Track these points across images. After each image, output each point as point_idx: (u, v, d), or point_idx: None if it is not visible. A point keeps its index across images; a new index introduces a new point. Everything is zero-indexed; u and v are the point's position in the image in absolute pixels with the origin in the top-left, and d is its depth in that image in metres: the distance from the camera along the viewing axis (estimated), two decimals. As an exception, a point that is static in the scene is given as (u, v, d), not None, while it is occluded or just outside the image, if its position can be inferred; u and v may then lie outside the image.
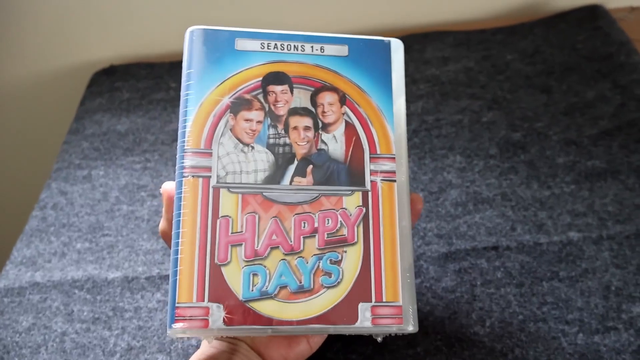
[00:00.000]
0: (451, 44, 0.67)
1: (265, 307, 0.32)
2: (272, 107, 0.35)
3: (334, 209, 0.34)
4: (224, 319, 0.31)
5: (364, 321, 0.32)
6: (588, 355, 0.39)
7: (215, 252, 0.32)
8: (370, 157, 0.35)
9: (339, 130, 0.36)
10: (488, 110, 0.58)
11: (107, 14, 0.72)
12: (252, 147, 0.34)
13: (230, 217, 0.33)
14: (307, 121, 0.35)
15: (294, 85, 0.36)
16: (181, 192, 0.33)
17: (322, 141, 0.35)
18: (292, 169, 0.34)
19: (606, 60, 0.60)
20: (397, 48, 0.38)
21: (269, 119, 0.35)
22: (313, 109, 0.36)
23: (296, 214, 0.33)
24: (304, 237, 0.33)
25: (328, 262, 0.33)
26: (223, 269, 0.32)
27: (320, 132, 0.35)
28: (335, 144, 0.35)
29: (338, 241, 0.33)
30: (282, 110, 0.35)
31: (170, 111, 0.65)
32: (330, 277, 0.33)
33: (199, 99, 0.34)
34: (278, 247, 0.33)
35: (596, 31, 0.64)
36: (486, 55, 0.65)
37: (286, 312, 0.32)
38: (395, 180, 0.35)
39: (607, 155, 0.51)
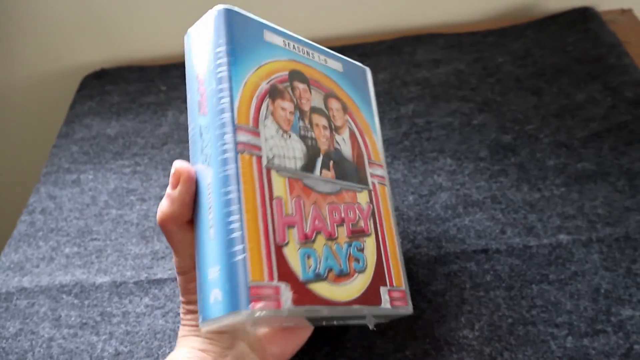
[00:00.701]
0: (442, 46, 0.67)
1: (320, 289, 0.32)
2: (299, 102, 0.36)
3: (352, 203, 0.36)
4: (292, 299, 0.30)
5: (385, 303, 0.35)
6: (577, 358, 0.38)
7: (276, 232, 0.31)
8: (368, 162, 0.40)
9: (346, 134, 0.39)
10: (479, 113, 0.58)
11: (97, 17, 0.71)
12: (290, 135, 0.34)
13: (282, 198, 0.32)
14: (325, 121, 0.37)
15: (311, 87, 0.38)
16: (236, 167, 0.30)
17: (336, 141, 0.38)
18: (319, 161, 0.36)
19: (597, 63, 0.60)
20: (369, 75, 0.43)
21: (298, 112, 0.36)
22: (326, 111, 0.38)
23: (328, 203, 0.35)
24: (337, 225, 0.34)
25: (356, 249, 0.35)
26: (284, 249, 0.31)
27: (333, 132, 0.38)
28: (345, 145, 0.38)
29: (359, 232, 0.36)
30: (306, 107, 0.36)
31: (161, 115, 0.65)
32: (358, 263, 0.35)
33: (242, 77, 0.33)
34: (320, 232, 0.33)
35: (587, 33, 0.64)
36: (477, 57, 0.65)
37: (336, 294, 0.32)
38: (385, 185, 0.40)
39: (597, 157, 0.51)
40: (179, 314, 0.45)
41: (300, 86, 0.37)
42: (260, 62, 0.34)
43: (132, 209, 0.54)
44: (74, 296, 0.47)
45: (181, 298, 0.35)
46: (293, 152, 0.34)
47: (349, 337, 0.41)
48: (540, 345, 0.39)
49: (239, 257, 0.29)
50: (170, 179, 0.32)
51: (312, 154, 0.35)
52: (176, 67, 0.71)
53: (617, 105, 0.55)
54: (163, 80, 0.69)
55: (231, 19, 0.34)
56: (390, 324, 0.42)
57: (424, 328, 0.41)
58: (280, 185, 0.32)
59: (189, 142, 0.34)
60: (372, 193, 0.38)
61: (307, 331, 0.37)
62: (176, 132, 0.62)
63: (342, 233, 0.34)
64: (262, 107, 0.33)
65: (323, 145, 0.36)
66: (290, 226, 0.32)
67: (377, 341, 0.41)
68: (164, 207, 0.32)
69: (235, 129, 0.31)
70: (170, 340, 0.43)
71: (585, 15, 0.67)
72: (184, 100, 0.66)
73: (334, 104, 0.38)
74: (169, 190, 0.32)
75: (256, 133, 0.32)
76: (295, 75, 0.37)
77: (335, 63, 0.41)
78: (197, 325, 0.34)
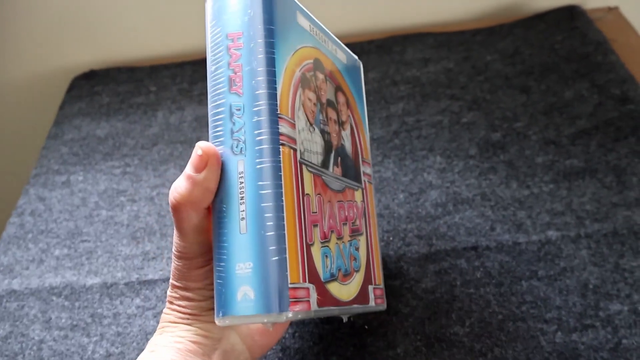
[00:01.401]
0: (431, 45, 0.67)
1: (333, 288, 0.32)
2: (319, 93, 0.34)
3: (352, 201, 0.36)
4: (317, 300, 0.29)
5: (371, 301, 0.35)
6: (566, 353, 0.39)
7: (306, 232, 0.30)
8: (362, 160, 0.40)
9: (348, 130, 0.38)
10: (468, 111, 0.58)
11: (86, 18, 0.71)
12: (314, 129, 0.33)
13: (310, 195, 0.31)
14: (335, 115, 0.36)
15: (327, 78, 0.36)
16: (278, 161, 0.29)
17: (342, 137, 0.37)
18: (332, 157, 0.35)
19: (584, 60, 0.61)
20: (362, 69, 0.43)
21: (319, 104, 0.34)
22: (336, 105, 0.37)
23: (337, 202, 0.34)
24: (342, 224, 0.34)
25: (354, 248, 0.35)
26: (312, 249, 0.30)
27: (340, 128, 0.37)
28: (347, 142, 0.38)
29: (356, 230, 0.36)
30: (324, 99, 0.35)
31: (151, 115, 0.65)
32: (356, 261, 0.35)
33: (283, 62, 0.30)
34: (333, 231, 0.33)
35: (574, 31, 0.65)
36: (466, 56, 0.65)
37: (343, 293, 0.32)
38: (372, 183, 0.40)
39: (585, 154, 0.52)
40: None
41: (320, 76, 0.35)
42: (295, 47, 0.32)
43: (123, 210, 0.54)
44: (64, 298, 0.47)
45: (176, 283, 0.33)
46: (316, 146, 0.33)
47: (340, 335, 0.42)
48: (530, 340, 0.40)
49: (279, 257, 0.27)
50: (195, 161, 0.29)
51: (327, 149, 0.34)
52: (166, 68, 0.71)
53: (604, 103, 0.56)
54: (153, 81, 0.69)
55: None
56: (381, 322, 0.42)
57: (415, 325, 0.42)
58: (308, 182, 0.31)
59: (210, 119, 0.31)
60: (365, 192, 0.39)
61: (285, 327, 0.39)
62: (166, 132, 0.62)
63: (346, 232, 0.34)
64: (297, 97, 0.31)
65: (334, 141, 0.35)
66: (315, 225, 0.31)
67: (368, 339, 0.41)
68: (183, 189, 0.30)
69: (278, 119, 0.29)
70: (161, 340, 0.43)
71: (572, 13, 0.67)
72: (174, 100, 0.66)
73: (340, 98, 0.37)
74: (191, 172, 0.29)
75: (293, 125, 0.30)
76: (318, 65, 0.35)
77: (342, 54, 0.39)
78: (190, 313, 0.33)
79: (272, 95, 0.29)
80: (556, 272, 0.43)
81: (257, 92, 0.29)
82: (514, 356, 0.39)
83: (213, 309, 0.32)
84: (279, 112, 0.29)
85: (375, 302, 0.36)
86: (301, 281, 0.28)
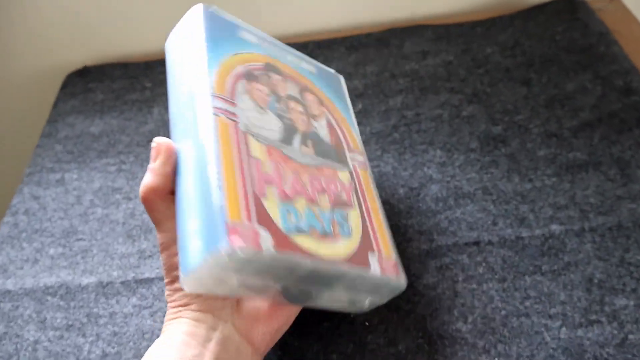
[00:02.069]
0: (430, 38, 0.67)
1: (304, 242, 0.31)
2: (275, 88, 0.38)
3: (333, 178, 0.37)
4: (273, 244, 0.29)
5: (375, 269, 0.34)
6: (571, 349, 0.38)
7: (254, 185, 0.31)
8: (346, 147, 0.41)
9: (323, 122, 0.40)
10: (468, 104, 0.57)
11: (80, 14, 0.70)
12: (266, 111, 0.36)
13: (260, 160, 0.33)
14: (301, 108, 0.39)
15: (286, 80, 0.40)
16: (214, 128, 0.32)
17: (314, 126, 0.39)
18: (297, 137, 0.37)
19: (586, 52, 0.60)
20: (343, 82, 0.46)
21: (274, 96, 0.38)
22: (303, 101, 0.40)
23: (309, 174, 0.35)
24: (318, 192, 0.35)
25: (339, 216, 0.35)
26: (263, 200, 0.31)
27: (310, 119, 0.39)
28: (322, 130, 0.40)
29: (342, 203, 0.36)
30: (282, 93, 0.38)
31: (146, 112, 0.64)
32: (343, 228, 0.34)
33: (218, 58, 0.35)
34: (302, 195, 0.34)
35: (575, 22, 0.64)
36: (465, 48, 0.64)
37: (321, 249, 0.32)
38: (366, 170, 0.41)
39: (588, 146, 0.51)
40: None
41: (276, 77, 0.39)
42: (236, 51, 0.37)
43: (118, 208, 0.53)
44: (59, 298, 0.46)
45: (166, 278, 0.34)
46: (270, 125, 0.35)
47: (340, 332, 0.41)
48: (534, 336, 0.39)
49: (217, 203, 0.29)
50: (151, 152, 0.34)
51: (289, 130, 0.37)
52: (161, 64, 0.70)
53: (607, 94, 0.55)
54: (148, 77, 0.68)
55: (208, 16, 0.38)
56: (382, 318, 0.41)
57: (417, 322, 0.41)
58: (257, 149, 0.33)
59: (170, 125, 0.35)
60: (354, 174, 0.39)
61: (291, 311, 0.37)
62: (162, 129, 0.61)
63: (324, 200, 0.35)
64: (239, 85, 0.35)
65: (301, 126, 0.38)
66: (269, 183, 0.32)
67: (369, 336, 0.40)
68: (145, 180, 0.33)
69: (213, 97, 0.33)
70: (158, 340, 0.42)
71: (573, 4, 0.67)
72: (169, 96, 0.65)
73: (309, 97, 0.40)
74: (150, 165, 0.33)
75: (232, 103, 0.34)
76: (271, 67, 0.39)
77: (309, 65, 0.43)
78: (183, 305, 0.34)
79: (207, 82, 0.33)
80: (560, 267, 0.43)
81: (195, 83, 0.34)
82: (517, 352, 0.38)
83: (200, 296, 0.34)
84: (214, 92, 0.33)
85: (382, 271, 0.34)
86: (245, 220, 0.29)
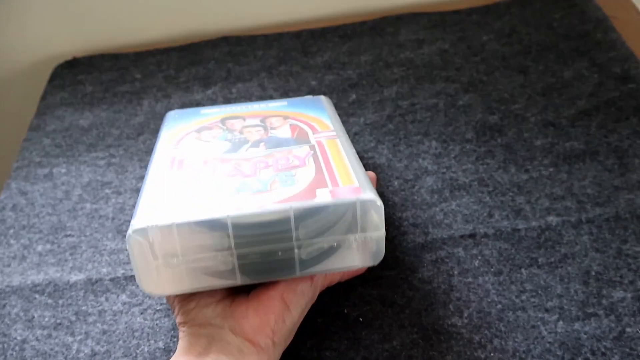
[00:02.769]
0: (425, 25, 0.65)
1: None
2: (229, 127, 0.43)
3: (286, 155, 0.39)
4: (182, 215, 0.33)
5: (322, 198, 0.33)
6: (568, 343, 0.37)
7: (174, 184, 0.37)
8: (312, 133, 0.42)
9: (285, 127, 0.43)
10: (464, 93, 0.56)
11: (68, 4, 0.69)
12: (211, 142, 0.42)
13: (190, 167, 0.39)
14: (259, 128, 0.43)
15: (246, 119, 0.45)
16: (157, 160, 0.40)
17: (271, 134, 0.42)
18: (247, 146, 0.40)
19: (583, 39, 0.59)
20: (324, 99, 0.48)
21: (227, 132, 0.43)
22: (263, 123, 0.44)
23: (252, 162, 0.38)
24: (260, 170, 0.37)
25: (284, 175, 0.36)
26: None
27: (268, 131, 0.43)
28: (283, 131, 0.42)
29: (291, 167, 0.37)
30: (237, 127, 0.43)
31: (136, 103, 0.62)
32: (286, 182, 0.35)
33: (173, 128, 0.45)
34: (237, 175, 0.37)
35: (572, 9, 0.63)
36: (461, 36, 0.63)
37: (258, 201, 0.33)
38: (335, 138, 0.41)
39: (586, 136, 0.50)
40: (157, 310, 0.43)
41: (232, 121, 0.44)
42: (190, 120, 0.45)
43: (107, 203, 0.52)
44: (47, 295, 0.46)
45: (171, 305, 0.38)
46: (213, 148, 0.40)
47: (334, 328, 0.40)
48: (531, 330, 0.38)
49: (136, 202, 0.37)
50: None
51: (238, 144, 0.41)
52: (151, 54, 0.69)
53: (604, 82, 0.54)
54: (138, 68, 0.67)
55: (173, 113, 0.48)
56: (376, 314, 0.40)
57: (411, 317, 0.40)
58: (190, 163, 0.39)
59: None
60: (316, 145, 0.40)
61: (286, 295, 0.36)
62: (152, 121, 0.60)
63: (267, 172, 0.37)
64: (187, 137, 0.43)
65: (254, 137, 0.42)
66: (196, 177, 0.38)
67: (363, 332, 0.40)
68: None
69: (160, 147, 0.42)
70: (148, 338, 0.41)
71: (570, -10, 0.65)
72: (159, 88, 0.64)
73: (271, 119, 0.44)
74: None
75: (176, 147, 0.42)
76: (227, 119, 0.45)
77: (279, 103, 0.47)
78: (181, 323, 0.36)
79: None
80: (557, 259, 0.42)
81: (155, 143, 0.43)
82: (514, 347, 0.38)
83: (190, 312, 0.36)
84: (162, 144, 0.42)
85: (337, 196, 0.33)
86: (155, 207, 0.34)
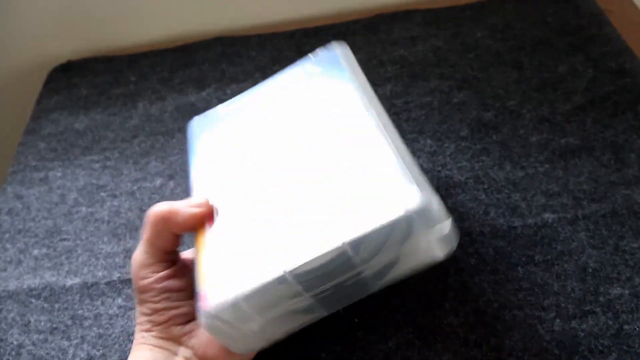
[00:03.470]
0: (419, 22, 0.65)
1: None
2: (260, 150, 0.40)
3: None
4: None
5: (373, 221, 0.30)
6: (565, 341, 0.37)
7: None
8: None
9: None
10: (458, 91, 0.56)
11: (62, 7, 0.68)
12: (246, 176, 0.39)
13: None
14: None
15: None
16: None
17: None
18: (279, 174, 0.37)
19: (578, 33, 0.59)
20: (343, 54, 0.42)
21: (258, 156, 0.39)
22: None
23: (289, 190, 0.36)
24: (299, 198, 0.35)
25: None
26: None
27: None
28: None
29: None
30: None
31: (131, 106, 0.62)
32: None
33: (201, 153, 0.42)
34: (279, 214, 0.34)
35: (567, 3, 0.62)
36: (455, 33, 0.63)
37: (299, 253, 0.32)
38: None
39: (581, 131, 0.50)
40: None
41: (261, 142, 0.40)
42: (218, 134, 0.42)
43: (103, 206, 0.52)
44: (43, 300, 0.45)
45: (136, 300, 0.35)
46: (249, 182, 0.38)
47: (329, 330, 0.40)
48: (528, 329, 0.38)
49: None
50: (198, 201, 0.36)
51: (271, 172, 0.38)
52: (146, 57, 0.69)
53: (599, 77, 0.54)
54: (132, 71, 0.67)
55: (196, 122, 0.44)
56: (372, 314, 0.40)
57: (407, 317, 0.40)
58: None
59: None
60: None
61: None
62: (147, 124, 0.60)
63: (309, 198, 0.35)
64: (222, 171, 0.39)
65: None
66: None
67: (359, 333, 0.39)
68: (173, 207, 0.35)
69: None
70: (144, 341, 0.41)
71: (565, -16, 0.65)
72: (154, 90, 0.64)
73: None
74: (192, 202, 0.36)
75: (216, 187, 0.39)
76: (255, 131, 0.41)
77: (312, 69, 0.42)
78: (146, 330, 0.35)
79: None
80: (553, 257, 0.42)
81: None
82: (510, 346, 0.37)
83: (161, 323, 0.35)
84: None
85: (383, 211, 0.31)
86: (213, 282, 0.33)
